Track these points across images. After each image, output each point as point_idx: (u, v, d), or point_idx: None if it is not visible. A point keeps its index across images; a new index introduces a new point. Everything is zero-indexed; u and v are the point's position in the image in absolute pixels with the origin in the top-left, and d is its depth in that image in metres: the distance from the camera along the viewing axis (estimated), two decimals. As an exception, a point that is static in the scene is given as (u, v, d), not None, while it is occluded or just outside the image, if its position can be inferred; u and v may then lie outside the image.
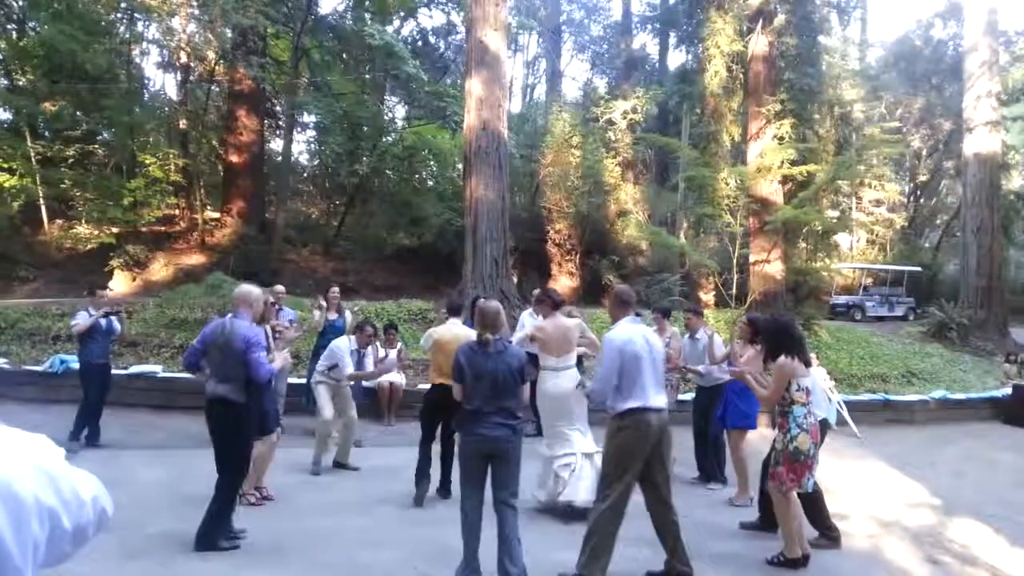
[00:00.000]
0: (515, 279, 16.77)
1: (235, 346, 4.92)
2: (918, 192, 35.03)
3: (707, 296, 21.45)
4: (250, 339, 4.94)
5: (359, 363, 7.64)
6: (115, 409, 8.90)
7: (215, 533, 4.99)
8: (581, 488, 5.95)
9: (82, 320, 7.99)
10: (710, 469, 7.50)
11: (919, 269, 26.90)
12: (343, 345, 7.51)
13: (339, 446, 7.57)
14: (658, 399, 4.67)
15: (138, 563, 4.69)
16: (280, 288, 9.18)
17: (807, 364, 5.20)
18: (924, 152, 33.58)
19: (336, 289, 9.96)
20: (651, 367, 4.69)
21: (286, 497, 6.32)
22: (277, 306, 8.19)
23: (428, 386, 10.33)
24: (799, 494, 5.18)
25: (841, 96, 27.88)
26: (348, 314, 9.68)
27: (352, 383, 7.70)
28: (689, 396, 9.16)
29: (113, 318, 8.23)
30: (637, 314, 4.96)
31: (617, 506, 4.56)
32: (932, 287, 26.60)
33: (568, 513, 5.94)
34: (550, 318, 6.42)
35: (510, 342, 4.88)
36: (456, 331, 6.43)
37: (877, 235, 31.60)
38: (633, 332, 4.77)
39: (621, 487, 4.56)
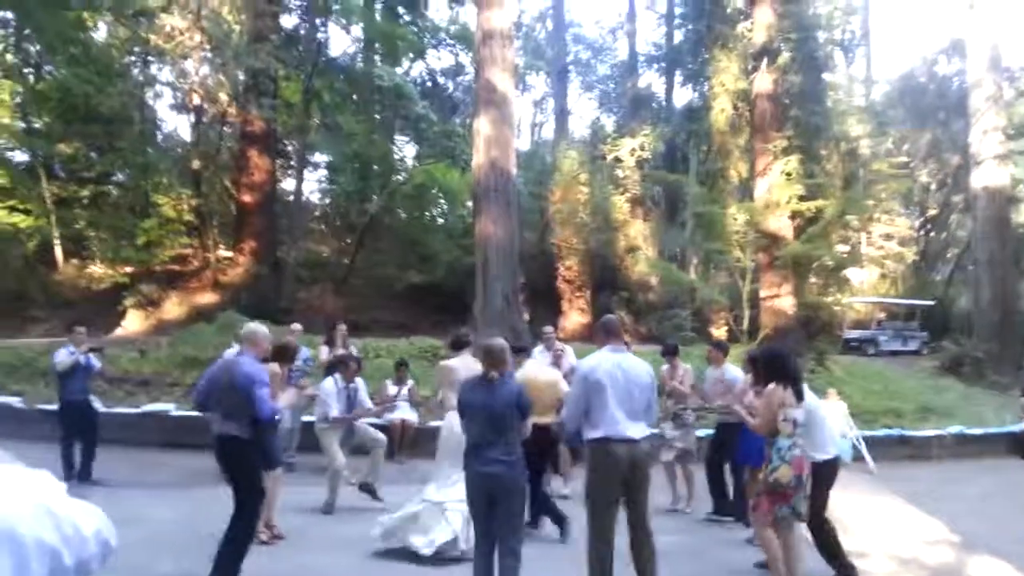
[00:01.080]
0: (526, 316, 16.73)
1: (239, 384, 4.94)
2: (928, 226, 34.94)
3: (718, 332, 21.33)
4: (253, 376, 4.95)
5: (349, 399, 7.44)
6: (126, 448, 8.94)
7: (232, 565, 4.94)
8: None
9: (65, 358, 8.02)
10: (723, 505, 7.40)
11: (932, 303, 26.67)
12: (328, 388, 7.33)
13: (369, 468, 7.43)
14: (632, 429, 4.53)
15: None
16: (297, 327, 9.27)
17: (799, 396, 5.08)
18: (932, 186, 33.55)
19: (343, 326, 10.07)
20: (622, 396, 4.55)
21: (298, 535, 6.28)
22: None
23: (438, 423, 10.39)
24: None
25: (847, 132, 27.91)
26: (354, 349, 9.74)
27: (341, 425, 7.35)
28: (704, 432, 9.05)
29: (92, 355, 8.29)
30: (628, 345, 4.93)
31: (599, 536, 4.49)
32: (945, 321, 26.32)
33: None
34: (457, 357, 6.19)
35: (512, 376, 4.81)
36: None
37: (888, 269, 31.45)
38: (602, 360, 4.66)
39: (597, 517, 4.52)
